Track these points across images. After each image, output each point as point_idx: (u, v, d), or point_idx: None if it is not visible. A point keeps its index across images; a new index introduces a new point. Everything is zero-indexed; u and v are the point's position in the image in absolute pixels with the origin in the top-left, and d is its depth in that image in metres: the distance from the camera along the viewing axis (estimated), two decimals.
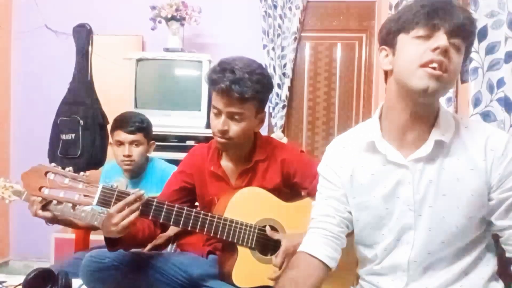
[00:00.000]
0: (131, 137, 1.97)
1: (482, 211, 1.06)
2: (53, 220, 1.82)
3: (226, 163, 1.60)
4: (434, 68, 0.97)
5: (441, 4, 1.00)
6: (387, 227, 1.11)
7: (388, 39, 1.07)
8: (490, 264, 1.10)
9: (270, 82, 1.53)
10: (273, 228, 1.51)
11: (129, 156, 1.97)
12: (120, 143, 1.99)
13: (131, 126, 1.98)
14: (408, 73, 1.01)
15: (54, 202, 1.26)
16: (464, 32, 1.00)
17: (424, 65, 0.98)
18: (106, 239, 1.39)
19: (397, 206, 1.09)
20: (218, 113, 1.46)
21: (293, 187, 1.60)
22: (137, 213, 1.31)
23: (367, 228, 1.14)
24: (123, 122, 2.01)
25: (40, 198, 1.70)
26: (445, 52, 0.97)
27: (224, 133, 1.46)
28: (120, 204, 1.29)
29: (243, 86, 1.40)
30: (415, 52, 1.00)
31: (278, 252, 1.39)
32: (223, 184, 1.58)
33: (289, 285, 1.08)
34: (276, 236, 1.47)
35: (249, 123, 1.48)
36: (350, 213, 1.17)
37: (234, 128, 1.46)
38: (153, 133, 2.14)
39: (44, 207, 1.72)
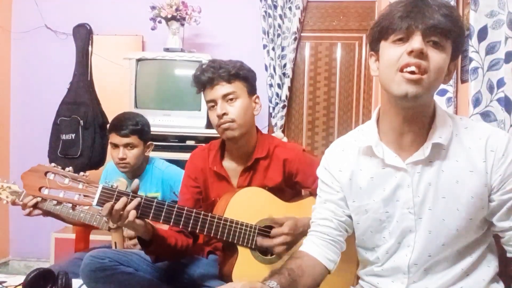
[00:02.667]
0: (125, 140, 1.96)
1: (482, 213, 1.05)
2: (45, 213, 1.83)
3: (227, 163, 1.60)
4: (412, 72, 0.96)
5: (415, 4, 0.99)
6: (388, 230, 1.11)
7: (373, 45, 1.07)
8: (491, 265, 1.09)
9: (252, 70, 1.59)
10: (271, 227, 1.51)
11: (123, 159, 1.97)
12: (116, 146, 1.98)
13: (124, 129, 1.96)
14: (388, 78, 1.01)
15: (54, 202, 1.25)
16: (443, 30, 0.97)
17: (402, 69, 0.97)
18: (141, 244, 1.42)
19: (397, 209, 1.08)
20: (214, 104, 1.51)
21: (294, 186, 1.60)
22: (125, 199, 1.28)
23: (367, 232, 1.14)
24: (117, 124, 1.99)
25: (33, 202, 1.71)
26: (421, 54, 0.96)
27: (224, 116, 1.48)
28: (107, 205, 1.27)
29: (225, 67, 1.50)
30: (393, 57, 0.99)
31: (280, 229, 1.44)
32: (224, 184, 1.58)
33: (297, 270, 1.08)
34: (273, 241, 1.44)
35: (244, 102, 1.52)
36: (349, 217, 1.17)
37: (232, 109, 1.50)
38: (153, 133, 2.13)
39: (35, 206, 1.73)
